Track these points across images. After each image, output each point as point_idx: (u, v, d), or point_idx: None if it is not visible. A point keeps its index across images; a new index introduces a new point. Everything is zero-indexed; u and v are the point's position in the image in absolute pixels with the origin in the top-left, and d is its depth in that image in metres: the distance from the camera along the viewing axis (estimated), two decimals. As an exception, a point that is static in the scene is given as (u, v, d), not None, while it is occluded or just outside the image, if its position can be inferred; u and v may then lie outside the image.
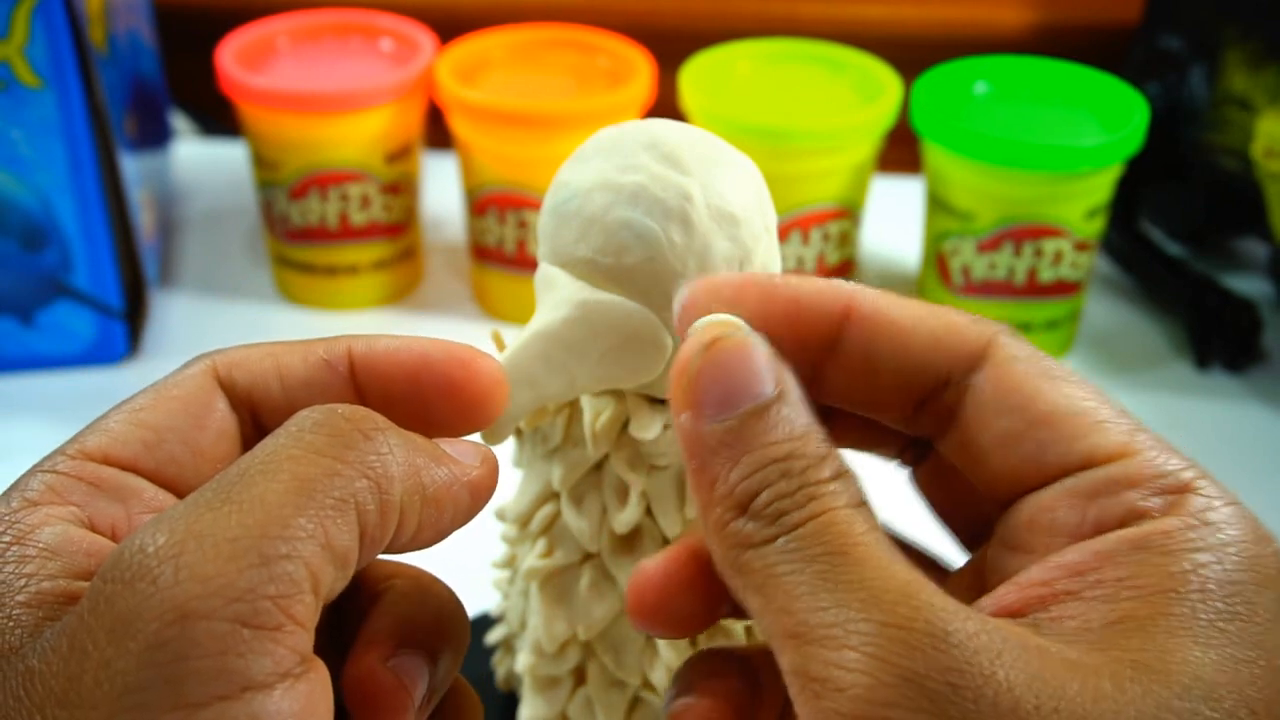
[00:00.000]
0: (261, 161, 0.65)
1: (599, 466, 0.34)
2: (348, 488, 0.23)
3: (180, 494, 0.26)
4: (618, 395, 0.32)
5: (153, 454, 0.25)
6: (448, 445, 0.26)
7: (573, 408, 0.33)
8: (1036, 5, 0.81)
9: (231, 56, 0.63)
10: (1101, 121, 0.62)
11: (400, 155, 0.65)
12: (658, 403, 0.33)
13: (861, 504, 0.23)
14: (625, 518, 0.33)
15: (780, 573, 0.22)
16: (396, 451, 0.24)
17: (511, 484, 0.37)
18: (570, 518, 0.34)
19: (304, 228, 0.65)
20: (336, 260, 0.66)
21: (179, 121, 0.83)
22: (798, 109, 0.63)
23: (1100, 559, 0.23)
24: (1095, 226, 0.62)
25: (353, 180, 0.64)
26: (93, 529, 0.24)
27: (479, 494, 0.26)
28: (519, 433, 0.36)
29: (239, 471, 0.23)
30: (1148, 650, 0.21)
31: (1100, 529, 0.24)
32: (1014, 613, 0.23)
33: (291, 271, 0.67)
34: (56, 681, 0.21)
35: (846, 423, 0.29)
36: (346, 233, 0.65)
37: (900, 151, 0.69)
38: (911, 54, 0.72)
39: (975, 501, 0.28)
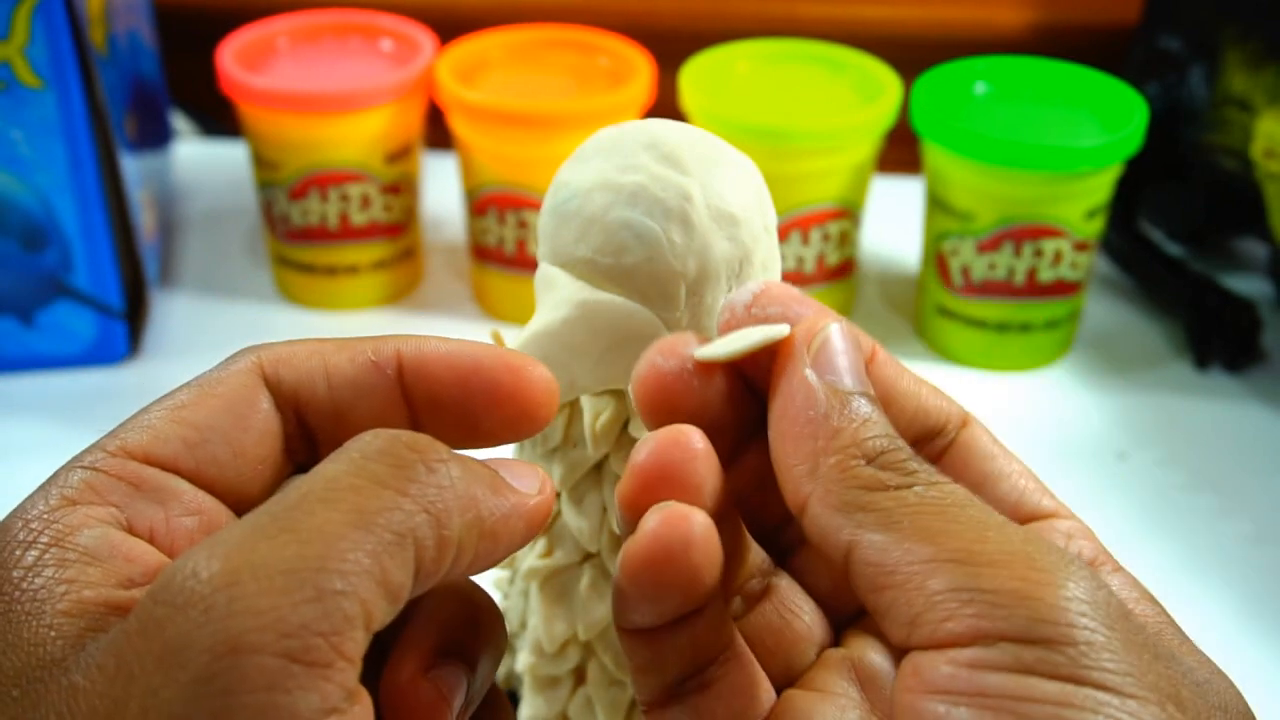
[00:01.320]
0: (262, 162, 0.65)
1: (599, 466, 0.34)
2: (407, 523, 0.22)
3: (220, 495, 0.25)
4: (618, 395, 0.32)
5: (194, 454, 0.25)
6: (506, 471, 0.25)
7: (573, 407, 0.34)
8: (1036, 5, 0.81)
9: (232, 57, 0.63)
10: (1101, 122, 0.62)
11: (400, 155, 0.65)
12: (658, 403, 0.33)
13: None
14: (625, 518, 0.33)
15: (924, 510, 0.23)
16: (458, 484, 0.24)
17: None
18: (570, 517, 0.34)
19: (304, 228, 0.65)
20: (336, 260, 0.66)
21: (179, 122, 0.83)
22: (798, 109, 0.63)
23: None
24: (1095, 227, 0.62)
25: (353, 180, 0.64)
26: (131, 531, 0.24)
27: (535, 523, 0.25)
28: (519, 433, 0.36)
29: (299, 497, 0.22)
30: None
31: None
32: None
33: (292, 271, 0.67)
34: (101, 702, 0.21)
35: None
36: (347, 233, 0.65)
37: (900, 151, 0.69)
38: (911, 54, 0.72)
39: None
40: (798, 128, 0.60)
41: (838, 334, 0.26)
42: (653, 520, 0.24)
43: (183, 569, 0.21)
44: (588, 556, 0.35)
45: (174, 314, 0.67)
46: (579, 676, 0.37)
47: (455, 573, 0.24)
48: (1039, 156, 0.58)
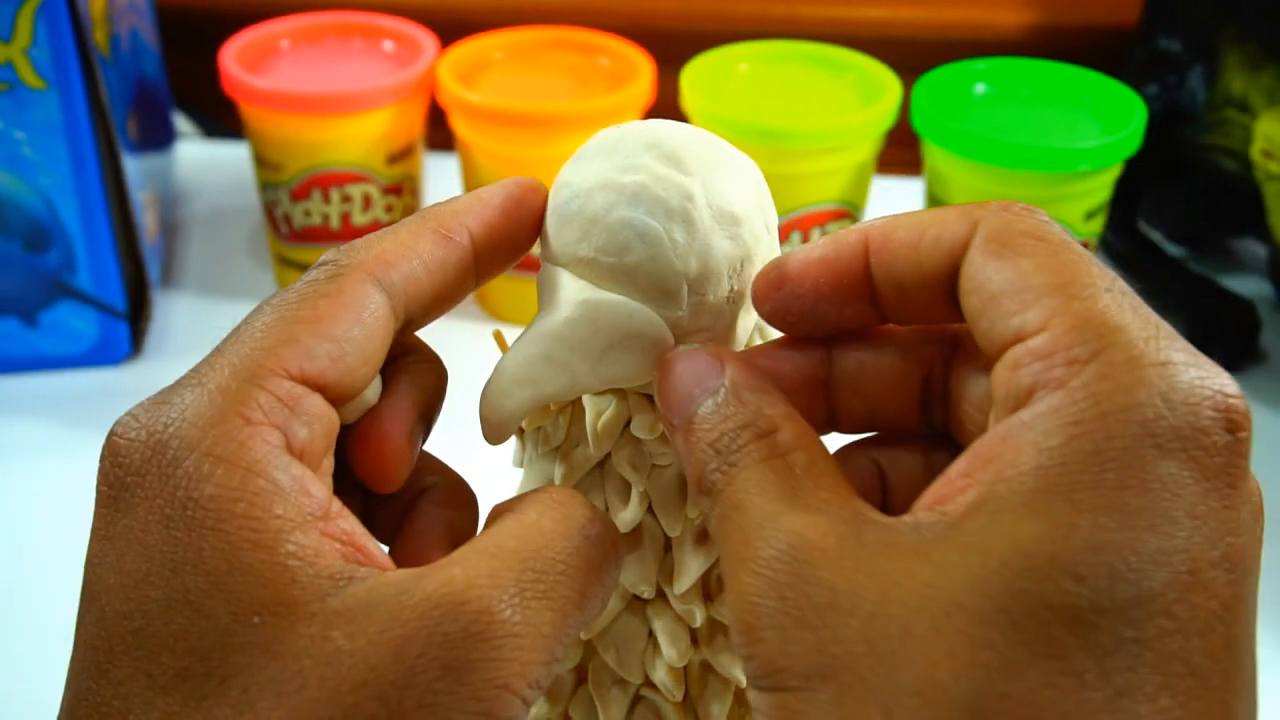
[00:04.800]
0: (264, 162, 0.65)
1: (601, 465, 0.34)
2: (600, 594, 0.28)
3: (336, 401, 0.26)
4: (620, 394, 0.33)
5: (336, 367, 0.26)
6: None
7: (575, 407, 0.34)
8: (1036, 6, 0.81)
9: (234, 58, 0.64)
10: (1100, 123, 0.62)
11: (402, 156, 0.65)
12: (659, 402, 0.33)
13: (771, 458, 0.26)
14: (626, 517, 0.34)
15: (719, 542, 0.26)
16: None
17: (512, 484, 0.37)
18: (572, 516, 0.34)
19: (306, 228, 0.65)
20: (338, 261, 0.66)
21: (182, 123, 0.83)
22: (798, 110, 0.63)
23: (1003, 443, 0.23)
24: (1094, 227, 0.62)
25: (354, 181, 0.64)
26: (290, 453, 0.25)
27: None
28: (520, 432, 0.36)
29: (544, 571, 0.26)
30: (969, 534, 0.22)
31: (1018, 402, 0.23)
32: (932, 507, 0.23)
33: (293, 272, 0.67)
34: (369, 675, 0.22)
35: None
36: (348, 233, 0.65)
37: (900, 152, 0.69)
38: (911, 55, 0.72)
39: None
40: (798, 128, 0.60)
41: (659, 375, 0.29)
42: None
43: (478, 605, 0.24)
44: (589, 555, 0.35)
45: (176, 314, 0.67)
46: (580, 676, 0.37)
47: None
48: (1038, 157, 0.58)
